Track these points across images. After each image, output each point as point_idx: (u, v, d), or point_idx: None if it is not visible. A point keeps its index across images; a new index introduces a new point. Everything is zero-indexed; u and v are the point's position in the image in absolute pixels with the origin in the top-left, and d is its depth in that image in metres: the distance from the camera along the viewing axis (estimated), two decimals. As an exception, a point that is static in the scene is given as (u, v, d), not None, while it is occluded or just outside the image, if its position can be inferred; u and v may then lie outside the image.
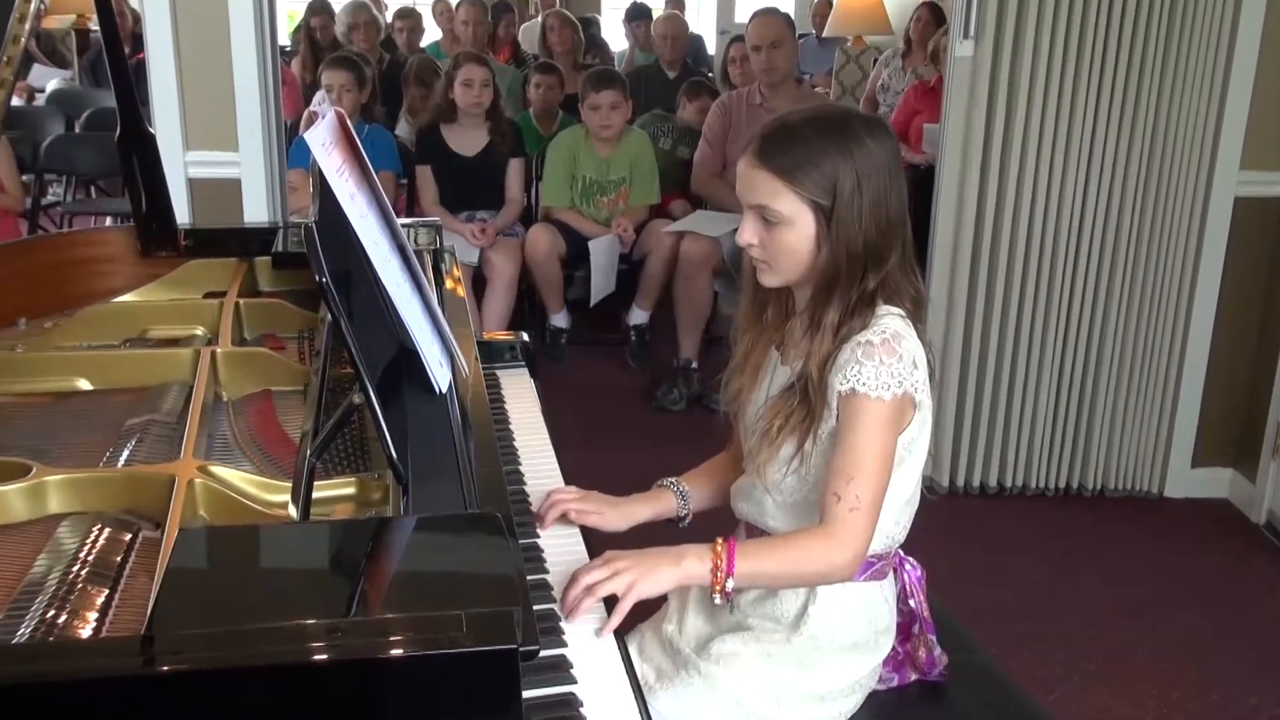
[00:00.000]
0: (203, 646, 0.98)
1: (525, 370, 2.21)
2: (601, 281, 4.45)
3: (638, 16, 7.27)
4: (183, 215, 2.94)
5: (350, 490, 1.47)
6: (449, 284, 2.20)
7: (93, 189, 6.31)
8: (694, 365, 4.31)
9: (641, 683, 1.51)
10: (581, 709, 1.27)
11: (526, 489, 1.75)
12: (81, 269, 2.17)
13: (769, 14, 4.47)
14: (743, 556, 1.47)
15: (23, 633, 1.17)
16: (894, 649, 1.68)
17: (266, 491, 1.45)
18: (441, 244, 2.33)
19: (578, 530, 1.66)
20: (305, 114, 4.78)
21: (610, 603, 1.46)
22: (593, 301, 4.50)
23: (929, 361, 1.56)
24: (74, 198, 6.03)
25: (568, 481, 1.78)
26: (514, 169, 4.62)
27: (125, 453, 1.56)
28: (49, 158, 5.66)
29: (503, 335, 2.30)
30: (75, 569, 1.28)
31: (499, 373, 2.17)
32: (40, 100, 6.82)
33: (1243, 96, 3.27)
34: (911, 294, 1.55)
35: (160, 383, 1.78)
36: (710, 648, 1.60)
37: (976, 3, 3.21)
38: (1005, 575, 3.15)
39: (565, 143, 4.58)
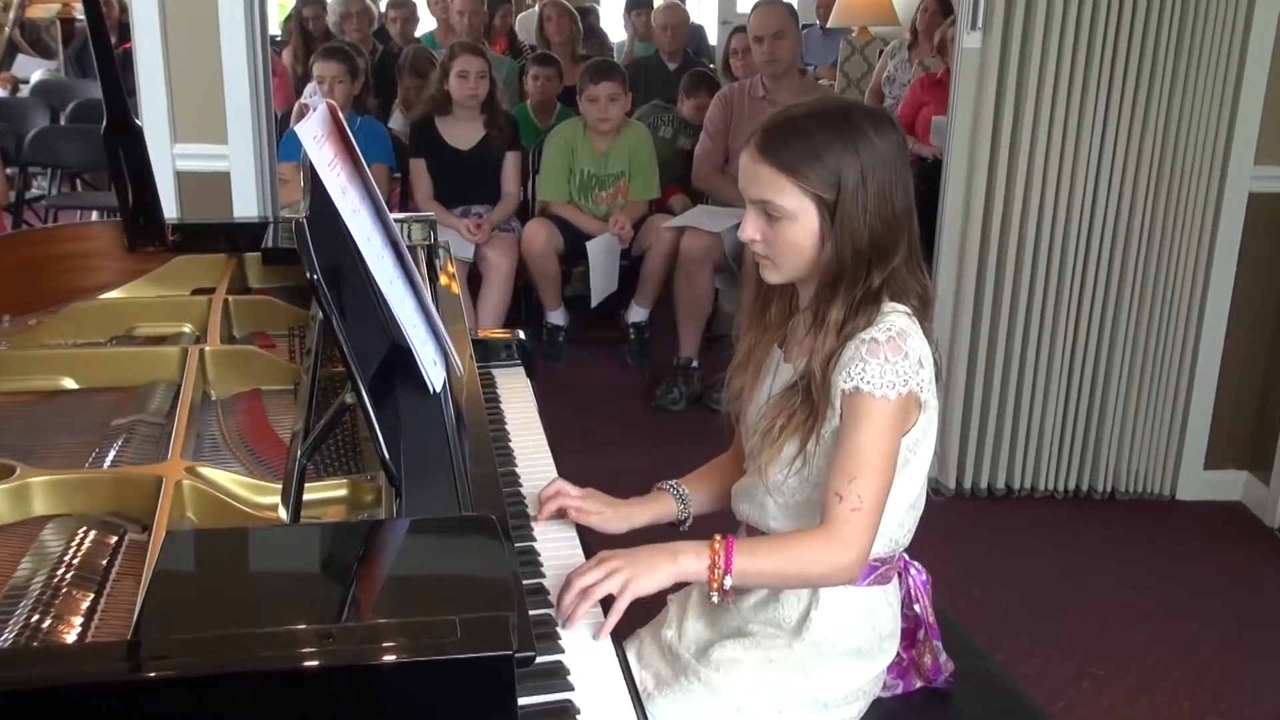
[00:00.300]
0: (190, 652, 0.98)
1: (521, 369, 2.21)
2: (602, 282, 4.45)
3: (637, 6, 7.26)
4: (170, 210, 2.94)
5: (342, 492, 1.47)
6: (443, 280, 2.20)
7: (78, 183, 6.32)
8: (694, 364, 4.31)
9: (640, 689, 1.51)
10: (579, 717, 1.27)
11: (522, 491, 1.75)
12: (67, 265, 2.17)
13: (771, 4, 4.46)
14: (741, 554, 1.48)
15: (6, 638, 1.17)
16: (898, 655, 1.68)
17: (256, 493, 1.45)
18: (436, 239, 2.33)
19: (575, 532, 1.66)
20: (296, 106, 4.78)
21: (607, 605, 1.46)
22: (594, 303, 4.50)
23: (935, 360, 1.56)
24: (59, 192, 6.04)
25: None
26: (510, 162, 4.62)
27: (111, 453, 1.56)
28: (33, 151, 5.66)
29: (498, 333, 2.30)
30: (60, 572, 1.28)
31: (494, 372, 2.17)
32: (24, 92, 6.82)
33: (1257, 90, 3.27)
34: (918, 291, 1.55)
35: (147, 381, 1.78)
36: (710, 653, 1.60)
37: (984, -7, 3.22)
38: (1013, 579, 3.15)
39: (563, 135, 4.58)
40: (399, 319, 1.51)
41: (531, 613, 1.37)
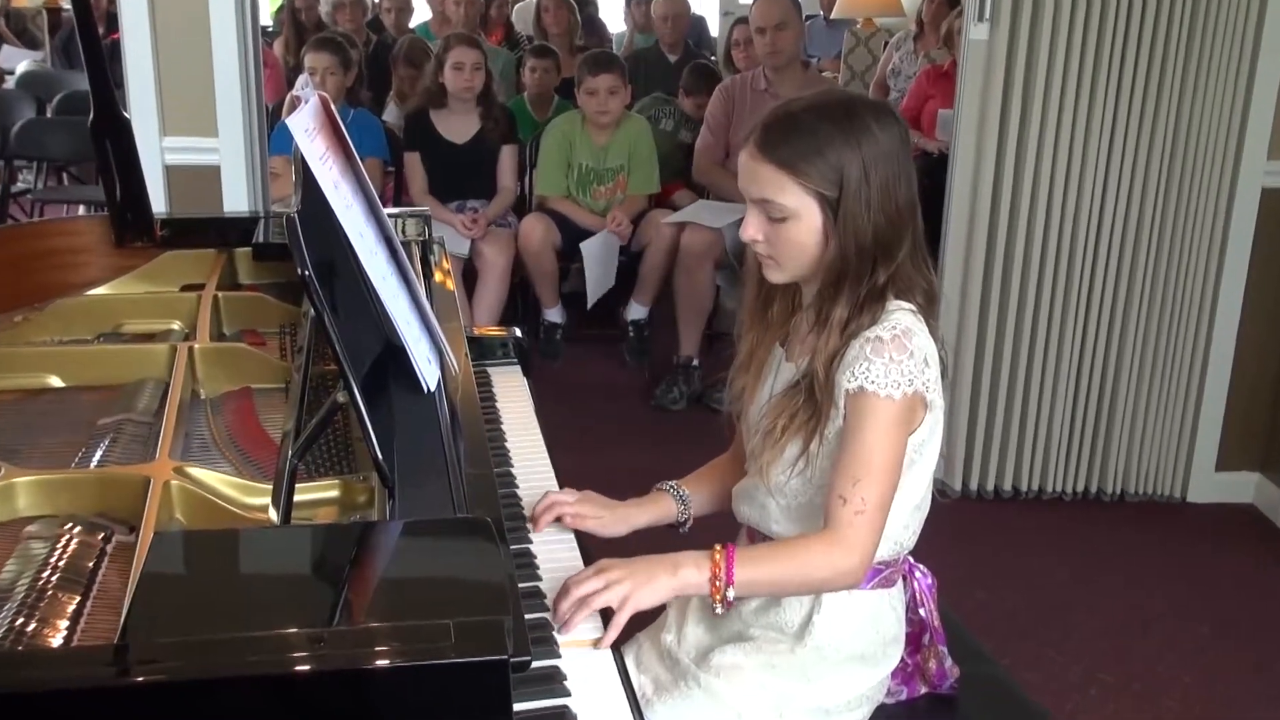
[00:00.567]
0: (178, 656, 0.98)
1: (518, 368, 2.21)
2: (598, 283, 4.44)
3: (637, -4, 7.26)
4: (159, 204, 2.94)
5: (334, 493, 1.47)
6: (438, 277, 2.20)
7: (65, 176, 6.31)
8: (695, 363, 4.31)
9: (639, 695, 1.51)
10: (575, 723, 1.27)
11: (519, 492, 1.75)
12: (53, 260, 2.17)
13: (774, -6, 4.46)
14: (742, 564, 1.47)
15: (-10, 641, 1.17)
16: (903, 660, 1.68)
17: (246, 494, 1.45)
18: (430, 235, 2.33)
19: (572, 535, 1.66)
20: (288, 98, 4.77)
21: (607, 614, 1.46)
22: (590, 303, 4.50)
23: (941, 359, 1.56)
24: (45, 185, 6.03)
25: (562, 485, 1.78)
26: (507, 156, 4.62)
27: (98, 453, 1.56)
28: (19, 143, 5.66)
29: (494, 331, 2.30)
30: (45, 575, 1.28)
31: (490, 370, 2.17)
32: (10, 83, 6.82)
33: (1270, 83, 3.27)
34: (923, 287, 1.55)
35: (135, 380, 1.78)
36: (710, 659, 1.61)
37: (992, -17, 3.21)
38: (1020, 583, 3.15)
39: (560, 129, 4.58)
40: (392, 316, 1.51)
41: (528, 616, 1.38)
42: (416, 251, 2.19)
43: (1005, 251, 3.39)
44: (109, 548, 1.36)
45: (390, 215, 1.71)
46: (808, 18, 6.61)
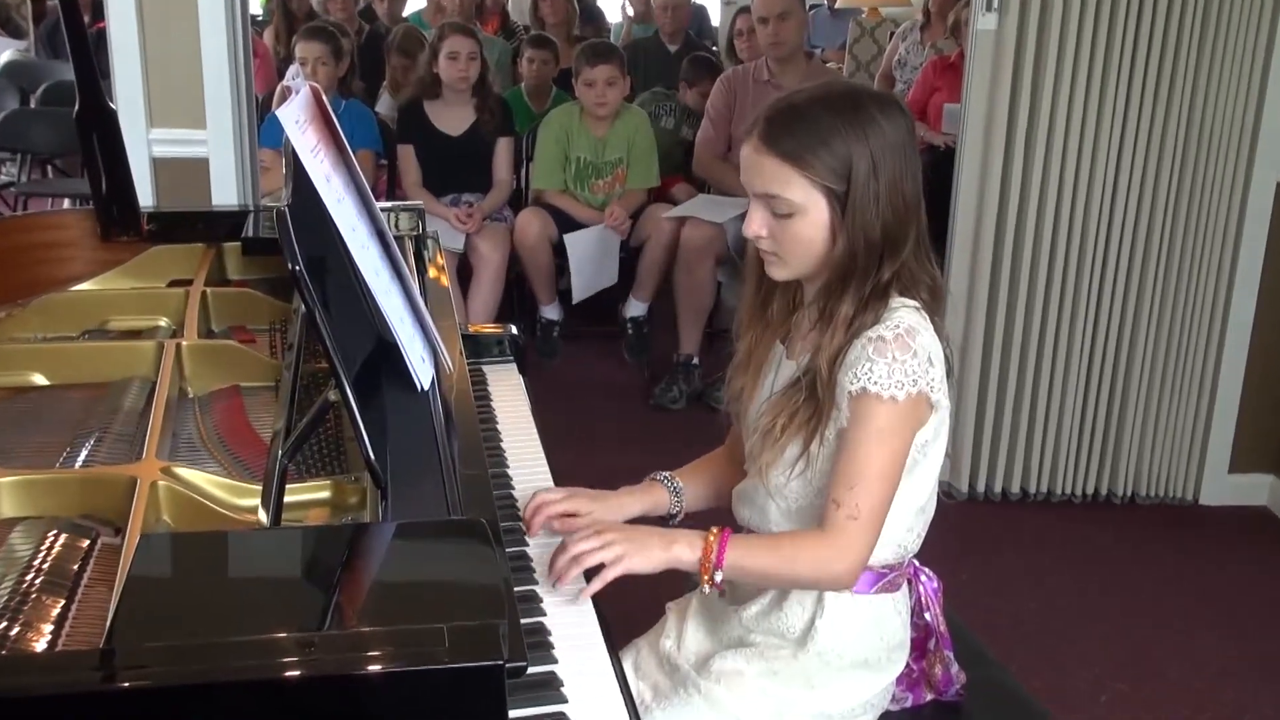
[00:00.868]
0: (166, 661, 0.98)
1: (514, 366, 2.21)
2: (584, 278, 4.43)
3: (637, -15, 7.26)
4: (146, 197, 2.94)
5: (325, 494, 1.47)
6: (432, 272, 2.20)
7: (49, 169, 6.31)
8: (695, 361, 4.31)
9: (637, 702, 1.51)
10: (573, 730, 1.28)
11: (514, 493, 1.75)
12: (36, 255, 2.17)
13: (777, -17, 4.46)
14: (734, 549, 1.50)
15: (-28, 646, 1.18)
16: (908, 666, 1.69)
17: (235, 495, 1.45)
18: (424, 229, 2.33)
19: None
20: (278, 88, 4.79)
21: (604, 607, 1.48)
22: (575, 299, 4.49)
23: (947, 358, 1.56)
24: (29, 178, 6.03)
25: (558, 486, 1.78)
26: (502, 149, 4.62)
27: (83, 453, 1.56)
28: (2, 135, 5.67)
29: (490, 328, 2.30)
30: (29, 578, 1.28)
31: (485, 368, 2.17)
32: (-7, 73, 6.81)
33: (1286, 74, 3.27)
34: (928, 283, 1.56)
35: (121, 378, 1.78)
36: (711, 665, 1.61)
37: (1001, -28, 3.22)
38: (1028, 587, 3.15)
39: (558, 121, 4.57)
40: (385, 313, 1.51)
41: (523, 621, 1.37)
42: (410, 246, 2.19)
43: (1014, 248, 3.39)
44: (94, 550, 1.36)
45: (383, 209, 1.71)
46: (812, 7, 6.62)
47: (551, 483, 1.80)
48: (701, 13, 7.72)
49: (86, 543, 1.37)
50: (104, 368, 1.81)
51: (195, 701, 0.96)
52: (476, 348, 2.19)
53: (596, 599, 1.50)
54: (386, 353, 1.53)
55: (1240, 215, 3.38)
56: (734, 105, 4.49)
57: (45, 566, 1.31)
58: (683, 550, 1.50)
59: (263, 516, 1.36)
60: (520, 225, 4.46)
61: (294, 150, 1.40)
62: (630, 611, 1.66)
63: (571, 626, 1.46)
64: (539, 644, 1.40)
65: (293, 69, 4.77)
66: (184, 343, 1.82)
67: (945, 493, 1.66)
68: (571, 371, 4.53)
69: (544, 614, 1.48)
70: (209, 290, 2.06)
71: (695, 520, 1.76)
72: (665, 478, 1.78)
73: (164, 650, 1.00)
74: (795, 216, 1.51)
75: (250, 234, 2.24)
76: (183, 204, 3.07)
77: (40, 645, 1.19)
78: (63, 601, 1.26)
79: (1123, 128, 3.28)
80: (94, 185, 2.18)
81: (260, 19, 6.35)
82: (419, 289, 1.70)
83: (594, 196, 4.58)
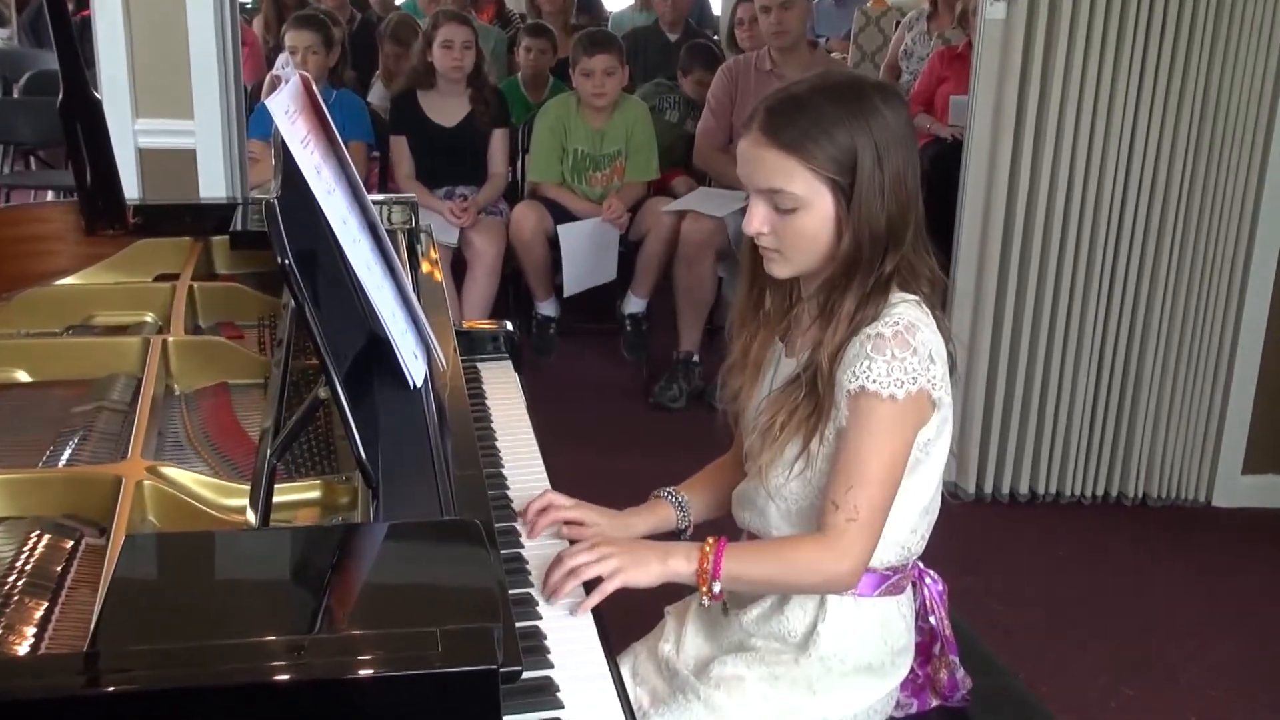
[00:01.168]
0: (151, 665, 0.98)
1: (509, 363, 2.21)
2: (576, 271, 4.43)
3: (636, -27, 7.25)
4: (131, 190, 2.94)
5: (315, 494, 1.47)
6: (425, 267, 2.20)
7: (32, 160, 6.30)
8: (695, 358, 4.32)
9: (635, 707, 1.51)
10: (569, 736, 1.28)
11: (509, 494, 1.75)
12: (19, 248, 2.17)
13: (781, -29, 4.46)
14: (731, 559, 1.50)
15: (-47, 649, 1.17)
16: (912, 672, 1.69)
17: (222, 495, 1.45)
18: (417, 223, 2.33)
19: (566, 541, 1.66)
20: (267, 78, 4.78)
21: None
22: (567, 292, 4.49)
23: (950, 354, 1.56)
24: (11, 170, 6.02)
25: (555, 487, 1.78)
26: (498, 140, 4.62)
27: (66, 451, 1.56)
28: (-16, 125, 5.65)
29: (484, 324, 2.30)
30: (11, 579, 1.28)
31: (480, 366, 2.17)
32: (-26, 62, 6.80)
33: (1302, 65, 3.27)
34: (927, 275, 1.56)
35: (106, 374, 1.78)
36: (710, 670, 1.61)
37: (1009, -40, 3.22)
38: (1036, 590, 3.16)
39: (554, 112, 4.57)
40: (377, 308, 1.51)
41: (518, 624, 1.38)
42: (402, 240, 2.19)
43: (1022, 243, 3.40)
44: (78, 551, 1.36)
45: (375, 202, 1.71)
46: (815, -5, 6.61)
47: (548, 483, 1.80)
48: (702, 0, 7.72)
49: (70, 544, 1.36)
50: (88, 364, 1.81)
51: (181, 706, 0.96)
52: (471, 344, 2.19)
53: (593, 602, 1.50)
54: (378, 349, 1.54)
55: (1255, 211, 3.38)
56: (735, 96, 4.49)
57: (27, 568, 1.31)
58: (679, 562, 1.51)
59: (251, 517, 1.36)
60: (516, 219, 4.46)
61: (283, 141, 1.39)
62: (628, 615, 1.66)
63: (568, 631, 1.46)
64: (534, 648, 1.40)
65: (282, 58, 4.76)
66: (170, 339, 1.82)
67: (951, 493, 1.65)
68: (568, 369, 4.53)
69: (539, 618, 1.48)
70: (196, 285, 2.06)
71: (708, 529, 1.76)
72: (669, 494, 1.78)
73: (149, 654, 1.00)
74: (799, 211, 1.51)
75: (239, 227, 2.24)
76: (169, 196, 3.07)
77: (22, 649, 1.19)
78: (45, 604, 1.26)
79: (1134, 120, 3.28)
80: (78, 177, 2.17)
81: (249, 7, 6.34)
82: (412, 284, 1.70)
83: (592, 189, 4.58)
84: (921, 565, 1.69)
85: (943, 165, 4.44)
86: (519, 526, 1.67)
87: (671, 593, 1.78)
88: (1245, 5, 3.20)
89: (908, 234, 1.52)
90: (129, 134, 3.13)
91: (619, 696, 1.37)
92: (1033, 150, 3.32)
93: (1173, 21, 3.21)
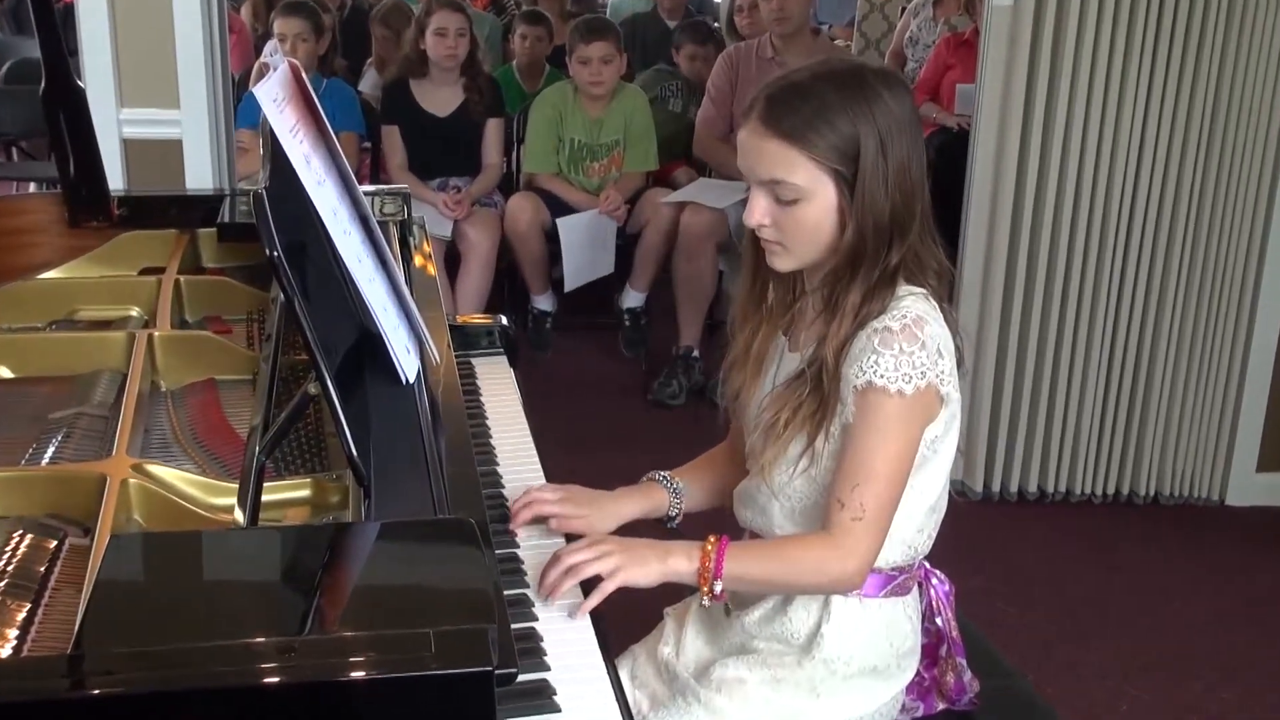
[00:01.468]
0: (137, 667, 0.98)
1: (504, 359, 2.21)
2: (577, 265, 4.43)
3: (634, -42, 7.25)
4: (116, 181, 2.93)
5: (305, 492, 1.47)
6: (418, 260, 2.20)
7: (14, 151, 6.30)
8: (695, 354, 4.32)
9: (634, 711, 1.52)
10: (565, 740, 1.28)
11: (504, 492, 1.75)
12: (1, 241, 2.17)
13: (782, -45, 4.45)
14: (733, 558, 1.50)
15: (-67, 652, 1.18)
16: (919, 674, 1.69)
17: (210, 493, 1.45)
18: (410, 215, 2.33)
19: (561, 538, 1.66)
20: (255, 66, 4.78)
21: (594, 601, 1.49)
22: (567, 287, 4.49)
23: (958, 349, 1.56)
24: (-8, 161, 6.02)
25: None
26: (492, 130, 4.61)
27: (50, 449, 1.56)
28: (-36, 115, 5.65)
29: (479, 319, 2.31)
30: (-7, 580, 1.29)
31: (474, 361, 2.17)
32: (-46, 50, 6.79)
33: (1318, 52, 3.27)
34: (934, 267, 1.56)
35: (90, 370, 1.78)
36: (711, 673, 1.61)
37: (1017, -56, 3.21)
38: (1045, 591, 3.16)
39: (550, 101, 4.57)
40: (368, 302, 1.51)
41: (514, 626, 1.38)
42: (394, 233, 2.19)
43: (1030, 235, 3.39)
44: (61, 551, 1.36)
45: (366, 193, 1.71)
46: (819, -19, 6.61)
47: (544, 480, 1.80)
48: (702, -14, 7.72)
49: (53, 543, 1.37)
50: (72, 360, 1.81)
51: (168, 710, 0.97)
52: (465, 339, 2.19)
53: (591, 602, 1.50)
54: (370, 344, 1.54)
55: (1270, 200, 3.38)
56: (735, 84, 4.48)
57: (10, 569, 1.31)
58: (679, 561, 1.50)
59: (239, 516, 1.36)
60: (511, 211, 4.46)
61: (272, 131, 1.40)
62: (627, 617, 1.66)
63: (565, 632, 1.46)
64: (530, 650, 1.40)
65: (271, 45, 4.75)
66: (156, 334, 1.82)
67: (958, 492, 1.66)
68: (565, 365, 4.53)
69: (536, 619, 1.48)
70: (183, 278, 2.06)
71: (696, 521, 1.76)
72: (664, 477, 1.77)
73: (135, 656, 1.00)
74: (801, 202, 1.51)
75: (226, 219, 2.24)
76: (155, 188, 3.07)
77: (4, 651, 1.19)
78: (28, 605, 1.26)
79: (1145, 108, 3.28)
80: (61, 168, 2.17)
81: (237, -7, 6.34)
82: (404, 277, 1.70)
83: (589, 180, 4.58)
84: (928, 565, 1.70)
85: (948, 155, 4.44)
86: (512, 526, 1.67)
87: (671, 594, 1.78)
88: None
89: (913, 225, 1.52)
90: (113, 124, 3.13)
91: (617, 700, 1.38)
92: (1041, 140, 3.32)
93: (1185, 8, 3.20)
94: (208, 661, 0.99)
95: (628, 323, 4.58)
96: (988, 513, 3.54)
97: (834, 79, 1.50)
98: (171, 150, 3.19)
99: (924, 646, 1.69)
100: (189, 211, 2.27)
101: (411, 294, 1.69)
